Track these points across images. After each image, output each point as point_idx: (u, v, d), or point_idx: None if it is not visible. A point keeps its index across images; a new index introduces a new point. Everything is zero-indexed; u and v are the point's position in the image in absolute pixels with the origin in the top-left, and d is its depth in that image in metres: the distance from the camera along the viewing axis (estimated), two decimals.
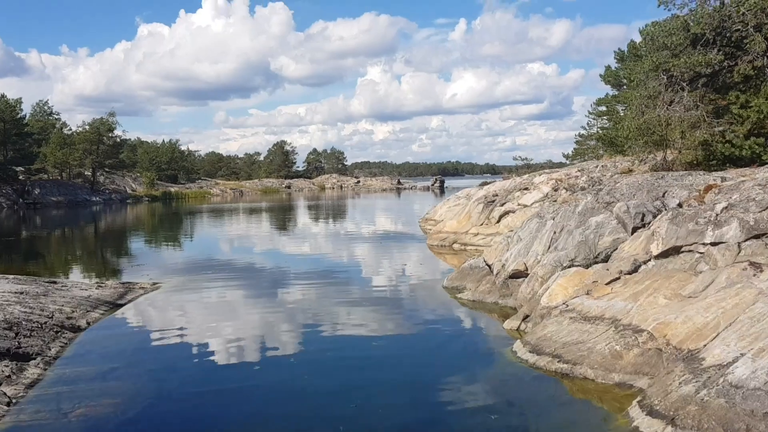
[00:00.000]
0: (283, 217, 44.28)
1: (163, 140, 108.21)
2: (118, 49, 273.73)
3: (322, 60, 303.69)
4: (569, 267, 10.19)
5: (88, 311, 11.24)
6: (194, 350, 9.46)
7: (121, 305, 12.30)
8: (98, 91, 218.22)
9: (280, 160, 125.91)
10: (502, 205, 22.36)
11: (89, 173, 77.98)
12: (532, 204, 21.78)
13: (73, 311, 10.92)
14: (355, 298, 13.32)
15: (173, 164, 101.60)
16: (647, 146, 19.54)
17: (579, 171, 22.86)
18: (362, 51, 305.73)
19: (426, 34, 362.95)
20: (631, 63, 51.38)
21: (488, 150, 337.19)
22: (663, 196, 10.88)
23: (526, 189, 23.09)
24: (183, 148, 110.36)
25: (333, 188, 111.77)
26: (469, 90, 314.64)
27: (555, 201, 21.04)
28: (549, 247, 11.64)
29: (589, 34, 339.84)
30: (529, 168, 53.22)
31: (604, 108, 56.71)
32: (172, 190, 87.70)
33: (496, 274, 12.55)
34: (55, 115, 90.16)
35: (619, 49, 57.41)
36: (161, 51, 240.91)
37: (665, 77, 18.24)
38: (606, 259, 10.18)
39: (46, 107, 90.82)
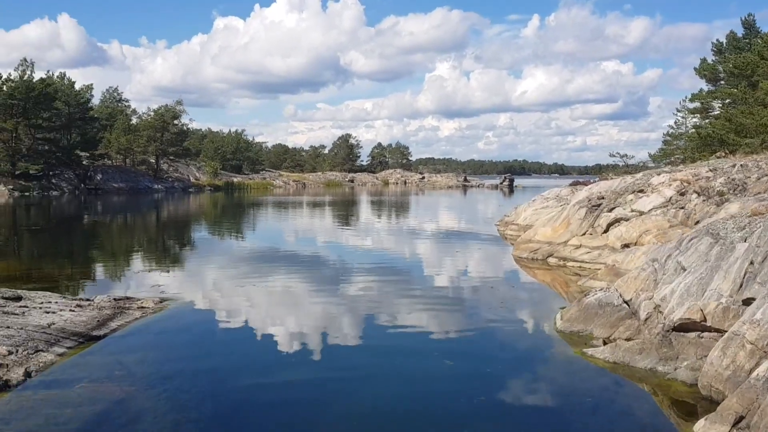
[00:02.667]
0: (346, 213, 40.66)
1: (230, 130, 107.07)
2: (194, 42, 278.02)
3: (392, 55, 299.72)
4: None
5: (38, 350, 7.63)
6: None
7: (98, 338, 8.65)
8: (174, 83, 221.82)
9: (345, 153, 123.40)
10: (611, 210, 17.89)
11: (153, 160, 76.72)
12: (650, 210, 17.23)
13: (10, 352, 7.33)
14: (427, 345, 9.26)
15: (238, 154, 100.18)
16: None
17: (711, 171, 18.11)
18: (432, 46, 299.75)
19: (498, 30, 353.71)
20: (732, 55, 45.78)
21: (557, 149, 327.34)
22: None
23: (641, 191, 18.51)
24: (248, 138, 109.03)
25: (396, 183, 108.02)
26: (540, 87, 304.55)
27: (683, 208, 16.47)
28: (741, 286, 7.31)
29: (668, 33, 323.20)
30: (628, 168, 47.93)
31: (698, 104, 50.98)
32: (235, 180, 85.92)
33: (646, 319, 8.28)
34: (124, 102, 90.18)
35: (717, 40, 51.37)
36: (236, 44, 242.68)
37: None
38: None
39: (115, 94, 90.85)
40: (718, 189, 16.28)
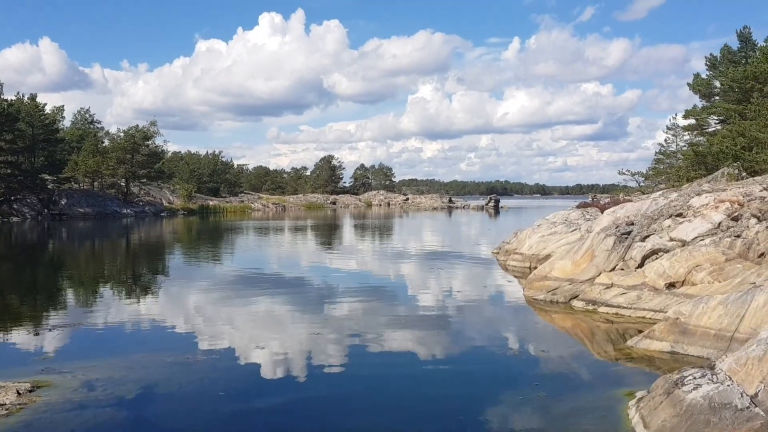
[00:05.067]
0: (327, 240, 37.06)
1: (207, 151, 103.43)
2: (176, 65, 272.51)
3: (375, 77, 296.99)
4: None
5: None
6: None
7: None
8: (156, 106, 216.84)
9: (327, 175, 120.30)
10: (644, 239, 14.54)
11: (123, 183, 72.76)
12: (695, 239, 13.93)
13: None
14: None
15: (215, 176, 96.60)
16: None
17: (766, 189, 14.86)
18: (415, 69, 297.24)
19: (479, 52, 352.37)
20: (729, 69, 43.42)
21: (538, 170, 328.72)
22: None
23: (679, 215, 15.22)
24: (226, 160, 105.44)
25: (380, 205, 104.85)
26: (521, 109, 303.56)
27: (738, 236, 13.16)
28: None
29: (647, 54, 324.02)
30: (641, 188, 44.96)
31: (692, 121, 48.57)
32: (211, 203, 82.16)
33: None
34: (96, 124, 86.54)
35: (711, 54, 49.16)
36: (218, 67, 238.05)
37: None
38: None
39: (87, 115, 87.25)
40: None
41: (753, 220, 13.25)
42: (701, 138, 46.35)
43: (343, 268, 21.97)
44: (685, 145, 48.92)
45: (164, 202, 77.52)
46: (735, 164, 32.08)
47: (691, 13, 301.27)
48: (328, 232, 43.20)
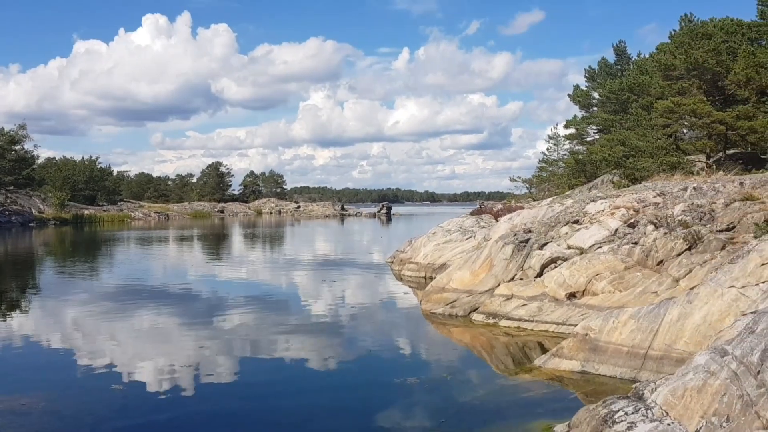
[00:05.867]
0: (214, 250, 34.84)
1: (82, 157, 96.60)
2: (52, 66, 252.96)
3: (265, 83, 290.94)
4: None
5: None
6: None
7: None
8: (29, 109, 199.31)
9: (215, 182, 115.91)
10: (542, 247, 14.06)
11: None
12: (592, 247, 13.58)
13: None
14: None
15: (92, 184, 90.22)
16: None
17: (659, 195, 14.78)
18: (306, 76, 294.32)
19: (370, 61, 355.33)
20: (607, 80, 45.66)
21: (428, 178, 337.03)
22: None
23: (576, 222, 14.88)
24: (104, 166, 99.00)
25: (271, 213, 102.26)
26: (411, 118, 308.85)
27: (636, 243, 12.88)
28: None
29: (528, 68, 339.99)
30: (531, 195, 45.75)
31: (573, 130, 50.63)
32: (86, 212, 76.59)
33: None
34: None
35: (589, 66, 51.72)
36: (98, 69, 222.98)
37: None
38: None
39: None
40: (679, 218, 12.86)
41: (650, 227, 13.03)
42: (581, 147, 48.25)
43: (231, 279, 20.39)
44: (565, 154, 50.82)
45: (34, 211, 71.52)
46: (615, 171, 33.22)
47: (568, 31, 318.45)
48: (216, 242, 40.94)
